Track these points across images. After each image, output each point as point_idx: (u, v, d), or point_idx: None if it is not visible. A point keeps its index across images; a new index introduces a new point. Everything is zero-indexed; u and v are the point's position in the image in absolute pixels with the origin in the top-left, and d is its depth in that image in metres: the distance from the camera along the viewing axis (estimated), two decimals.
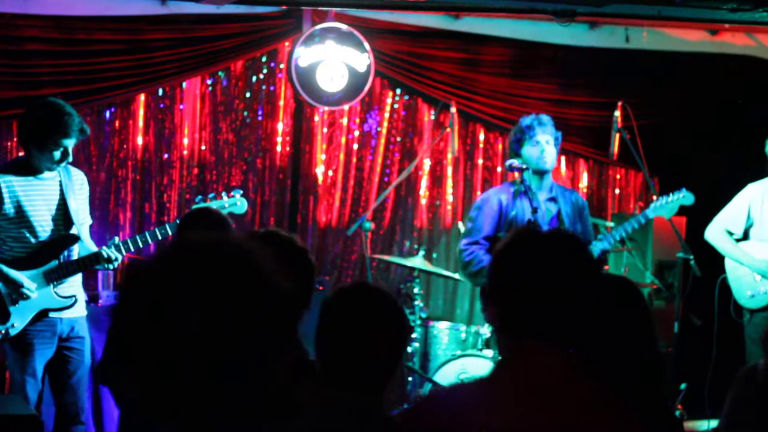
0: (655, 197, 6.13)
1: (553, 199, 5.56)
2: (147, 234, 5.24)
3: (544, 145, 5.50)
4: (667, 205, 5.87)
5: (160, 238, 5.26)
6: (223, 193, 5.37)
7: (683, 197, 5.90)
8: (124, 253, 5.13)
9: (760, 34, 8.10)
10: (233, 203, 5.28)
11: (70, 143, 5.00)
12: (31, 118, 5.08)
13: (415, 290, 6.55)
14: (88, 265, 5.11)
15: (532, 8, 7.18)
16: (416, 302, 6.49)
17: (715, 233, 6.35)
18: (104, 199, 6.88)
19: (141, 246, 5.25)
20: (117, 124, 6.92)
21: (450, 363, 6.19)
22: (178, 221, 5.25)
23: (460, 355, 6.24)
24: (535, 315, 2.13)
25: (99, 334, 5.83)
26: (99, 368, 3.34)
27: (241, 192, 5.37)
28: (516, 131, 5.58)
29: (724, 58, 8.06)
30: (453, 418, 2.06)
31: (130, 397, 2.54)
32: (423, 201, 7.74)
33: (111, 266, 5.11)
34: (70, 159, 5.08)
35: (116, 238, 5.18)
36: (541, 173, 5.54)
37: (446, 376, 6.12)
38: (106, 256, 5.05)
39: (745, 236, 6.32)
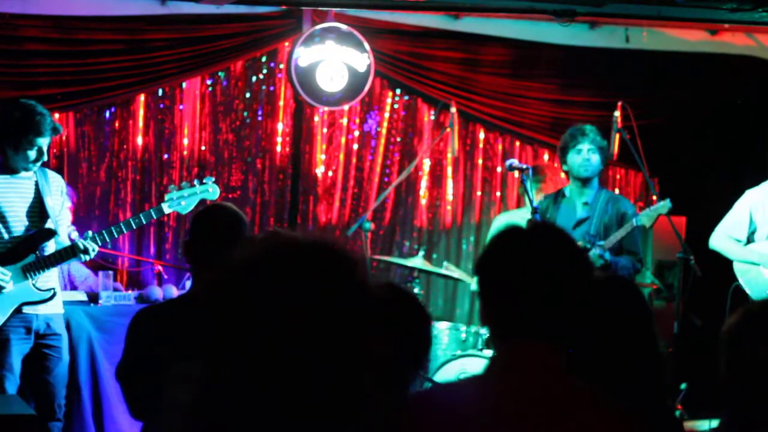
0: (654, 197, 6.15)
1: (586, 204, 5.91)
2: (121, 224, 5.32)
3: (585, 153, 5.84)
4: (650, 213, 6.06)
5: (134, 227, 5.38)
6: (195, 181, 5.44)
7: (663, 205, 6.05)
8: (100, 243, 5.18)
9: (760, 34, 8.09)
10: (205, 189, 5.37)
11: (44, 142, 5.09)
12: (4, 118, 5.16)
13: (415, 291, 6.55)
14: (65, 258, 5.16)
15: (532, 8, 7.18)
16: None
17: (719, 240, 6.31)
18: (104, 199, 6.88)
19: (116, 236, 5.34)
20: (117, 124, 6.92)
21: (450, 363, 6.20)
22: (152, 211, 5.34)
23: (460, 355, 6.25)
24: (523, 313, 2.11)
25: (100, 333, 5.83)
26: (120, 369, 3.33)
27: (213, 179, 5.43)
28: (563, 139, 5.97)
29: (724, 58, 8.05)
30: (447, 416, 2.05)
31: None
32: (423, 201, 7.74)
33: (86, 257, 5.16)
34: (45, 158, 5.17)
35: (90, 232, 5.21)
36: (582, 180, 5.90)
37: (446, 376, 6.12)
38: (82, 247, 5.10)
39: (748, 242, 6.30)
